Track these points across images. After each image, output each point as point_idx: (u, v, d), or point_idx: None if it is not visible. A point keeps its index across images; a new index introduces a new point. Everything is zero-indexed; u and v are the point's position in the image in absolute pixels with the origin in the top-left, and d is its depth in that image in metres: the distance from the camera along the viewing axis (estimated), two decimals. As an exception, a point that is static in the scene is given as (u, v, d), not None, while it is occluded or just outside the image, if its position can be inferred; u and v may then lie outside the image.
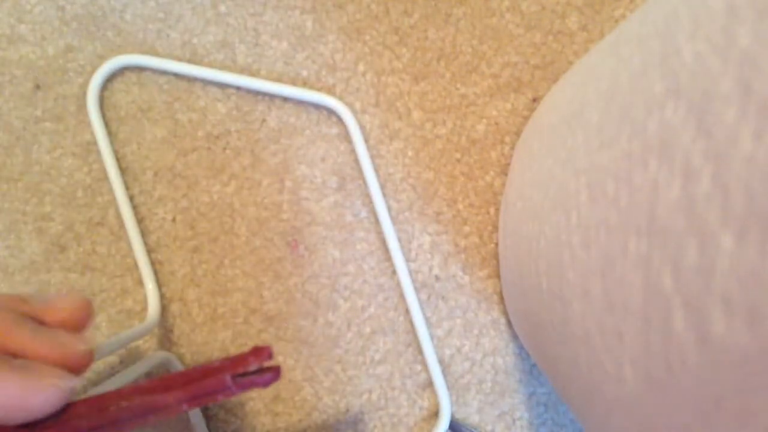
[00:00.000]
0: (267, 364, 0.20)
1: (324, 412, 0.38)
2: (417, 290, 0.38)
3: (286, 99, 0.39)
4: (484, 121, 0.39)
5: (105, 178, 0.39)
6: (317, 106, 0.39)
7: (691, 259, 0.14)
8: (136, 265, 0.38)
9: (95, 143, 0.39)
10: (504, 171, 0.39)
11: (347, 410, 0.38)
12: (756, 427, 0.13)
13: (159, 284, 0.38)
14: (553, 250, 0.25)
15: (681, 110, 0.16)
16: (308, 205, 0.39)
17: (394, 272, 0.39)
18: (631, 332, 0.17)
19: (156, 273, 0.38)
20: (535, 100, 0.39)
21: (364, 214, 0.39)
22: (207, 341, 0.38)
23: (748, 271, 0.12)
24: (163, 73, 0.39)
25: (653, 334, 0.16)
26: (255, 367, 0.20)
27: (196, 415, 0.37)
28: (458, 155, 0.39)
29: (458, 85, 0.40)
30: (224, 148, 0.39)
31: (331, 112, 0.39)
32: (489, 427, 0.38)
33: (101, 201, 0.39)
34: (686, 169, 0.15)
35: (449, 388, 0.38)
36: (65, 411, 0.20)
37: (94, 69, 0.39)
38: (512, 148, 0.39)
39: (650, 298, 0.16)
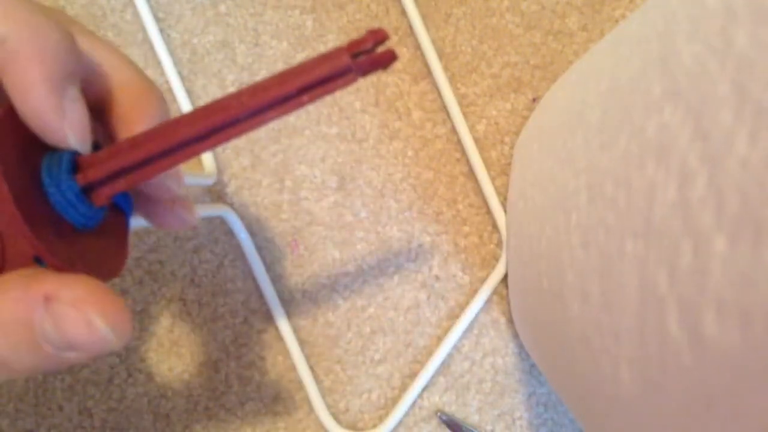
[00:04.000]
0: (381, 48, 0.18)
1: (324, 412, 0.38)
2: (417, 289, 0.39)
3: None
4: (484, 121, 0.39)
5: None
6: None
7: (686, 261, 0.14)
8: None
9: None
10: (504, 171, 0.39)
11: (347, 410, 0.38)
12: (748, 428, 0.13)
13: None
14: (553, 250, 0.25)
15: (679, 112, 0.16)
16: (308, 205, 0.39)
17: (394, 272, 0.39)
18: (627, 333, 0.17)
19: (156, 272, 0.39)
20: (535, 100, 0.40)
21: (364, 214, 0.39)
22: (207, 341, 0.38)
23: (740, 274, 0.12)
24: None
25: (648, 335, 0.16)
26: (371, 47, 0.18)
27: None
28: (458, 155, 0.39)
29: (458, 85, 0.40)
30: (224, 148, 0.39)
31: (330, 111, 0.39)
32: (489, 427, 0.38)
33: (102, 201, 0.39)
34: (682, 171, 0.15)
35: (449, 387, 0.38)
36: (171, 124, 0.18)
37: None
38: (512, 148, 0.39)
39: (646, 299, 0.16)
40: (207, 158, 0.38)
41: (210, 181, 0.38)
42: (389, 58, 0.18)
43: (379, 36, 0.18)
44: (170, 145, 0.18)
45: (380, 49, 0.18)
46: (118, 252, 0.21)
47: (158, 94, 0.21)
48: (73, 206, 0.18)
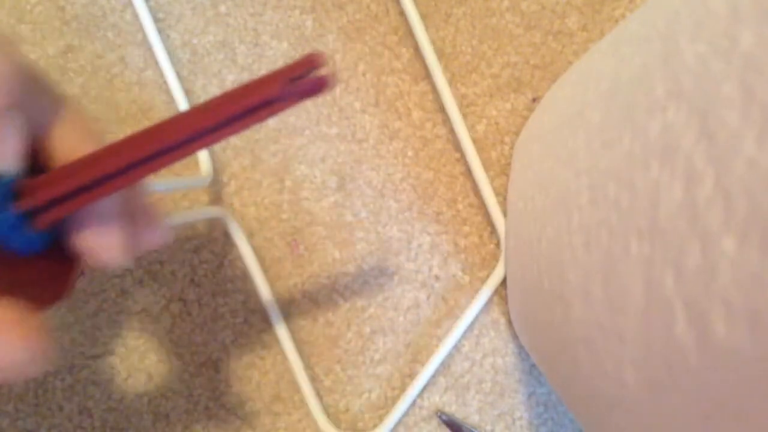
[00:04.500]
0: (318, 72, 0.18)
1: (324, 412, 0.38)
2: (417, 289, 0.39)
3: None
4: (484, 121, 0.39)
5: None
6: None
7: (693, 262, 0.14)
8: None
9: (95, 143, 0.39)
10: (504, 171, 0.39)
11: (347, 410, 0.38)
12: (756, 429, 0.13)
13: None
14: (554, 251, 0.25)
15: (683, 113, 0.16)
16: (308, 205, 0.39)
17: (394, 272, 0.39)
18: (631, 334, 0.17)
19: (156, 272, 0.38)
20: (535, 100, 0.39)
21: (364, 214, 0.39)
22: (207, 341, 0.38)
23: (749, 275, 0.12)
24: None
25: (654, 336, 0.16)
26: (307, 74, 0.18)
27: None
28: (458, 155, 0.39)
29: (458, 85, 0.40)
30: (224, 148, 0.39)
31: (330, 111, 0.39)
32: (489, 427, 0.38)
33: (101, 201, 0.39)
34: (688, 172, 0.15)
35: (449, 387, 0.38)
36: (111, 146, 0.18)
37: (94, 69, 0.39)
38: (512, 148, 0.39)
39: (651, 300, 0.16)
40: (203, 159, 0.38)
41: (206, 182, 0.38)
42: (323, 85, 0.18)
43: (313, 62, 0.18)
44: (110, 171, 0.18)
45: (320, 73, 0.18)
46: (68, 273, 0.21)
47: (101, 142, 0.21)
48: (12, 232, 0.18)
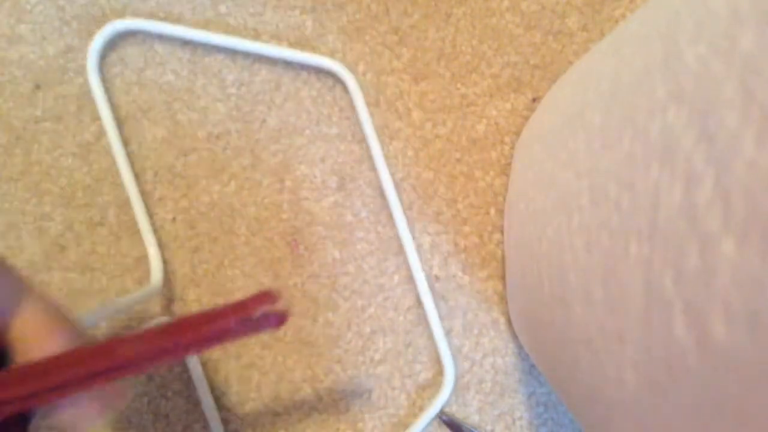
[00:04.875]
0: (272, 309, 0.20)
1: (324, 412, 0.38)
2: (417, 289, 0.39)
3: (286, 98, 0.39)
4: (484, 121, 0.39)
5: (105, 178, 0.39)
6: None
7: (692, 264, 0.14)
8: (135, 265, 0.38)
9: (95, 143, 0.39)
10: (504, 171, 0.39)
11: (347, 410, 0.38)
12: (755, 430, 0.13)
13: (161, 248, 0.38)
14: (555, 252, 0.25)
15: (683, 114, 0.16)
16: (308, 205, 0.39)
17: (394, 272, 0.39)
18: (632, 335, 0.17)
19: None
20: (535, 100, 0.39)
21: (364, 214, 0.39)
22: (207, 341, 0.38)
23: (748, 277, 0.12)
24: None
25: (654, 337, 0.16)
26: (260, 313, 0.20)
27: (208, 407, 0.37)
28: (458, 155, 0.39)
29: (458, 85, 0.40)
30: (224, 148, 0.39)
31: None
32: (489, 427, 0.38)
33: (101, 201, 0.39)
34: (688, 173, 0.15)
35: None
36: (69, 354, 0.19)
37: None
38: (512, 148, 0.39)
39: (651, 301, 0.16)
40: (154, 264, 0.38)
41: (156, 290, 0.38)
42: (276, 322, 0.20)
43: (266, 300, 0.20)
44: (67, 379, 0.19)
45: (275, 309, 0.20)
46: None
47: (64, 332, 0.21)
48: None
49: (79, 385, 0.19)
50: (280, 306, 0.20)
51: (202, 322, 0.20)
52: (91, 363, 0.19)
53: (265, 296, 0.20)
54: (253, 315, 0.20)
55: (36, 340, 0.20)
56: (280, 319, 0.20)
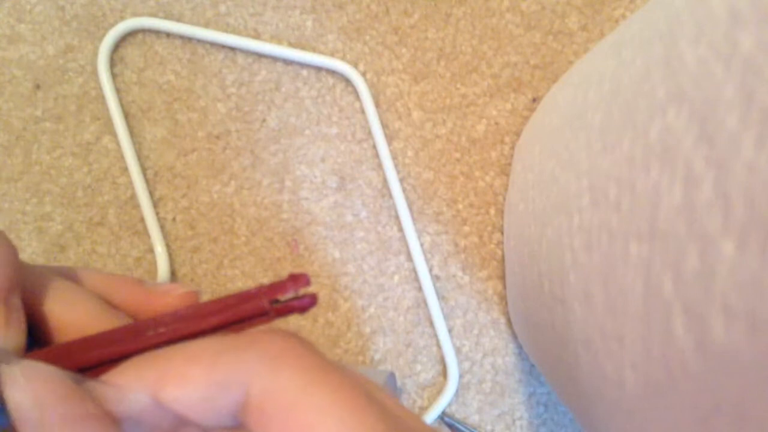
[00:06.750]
0: (304, 291, 0.20)
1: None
2: (417, 289, 0.39)
3: (286, 98, 0.39)
4: (484, 121, 0.39)
5: (105, 178, 0.39)
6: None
7: (692, 265, 0.14)
8: (136, 265, 0.38)
9: (95, 143, 0.39)
10: (504, 171, 0.39)
11: (347, 410, 0.38)
12: (754, 431, 0.13)
13: (168, 246, 0.39)
14: (554, 253, 0.25)
15: (683, 116, 0.16)
16: (308, 205, 0.39)
17: (394, 272, 0.39)
18: (631, 336, 0.17)
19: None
20: (535, 100, 0.39)
21: (364, 214, 0.39)
22: (207, 341, 0.38)
23: (748, 278, 0.12)
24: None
25: (653, 338, 0.16)
26: (292, 294, 0.20)
27: None
28: (458, 155, 0.39)
29: (458, 85, 0.40)
30: (224, 148, 0.39)
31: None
32: (489, 427, 0.38)
33: (101, 201, 0.39)
34: (688, 175, 0.15)
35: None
36: (100, 336, 0.19)
37: (94, 69, 0.39)
38: (512, 148, 0.39)
39: (651, 303, 0.16)
40: (161, 265, 0.38)
41: None
42: (308, 304, 0.19)
43: (300, 282, 0.19)
44: (88, 362, 0.19)
45: (307, 292, 0.19)
46: None
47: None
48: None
49: (111, 365, 0.19)
50: (309, 290, 0.20)
51: (235, 304, 0.19)
52: (122, 344, 0.19)
53: (300, 278, 0.20)
54: (286, 294, 0.19)
55: (71, 321, 0.20)
56: (311, 301, 0.20)
